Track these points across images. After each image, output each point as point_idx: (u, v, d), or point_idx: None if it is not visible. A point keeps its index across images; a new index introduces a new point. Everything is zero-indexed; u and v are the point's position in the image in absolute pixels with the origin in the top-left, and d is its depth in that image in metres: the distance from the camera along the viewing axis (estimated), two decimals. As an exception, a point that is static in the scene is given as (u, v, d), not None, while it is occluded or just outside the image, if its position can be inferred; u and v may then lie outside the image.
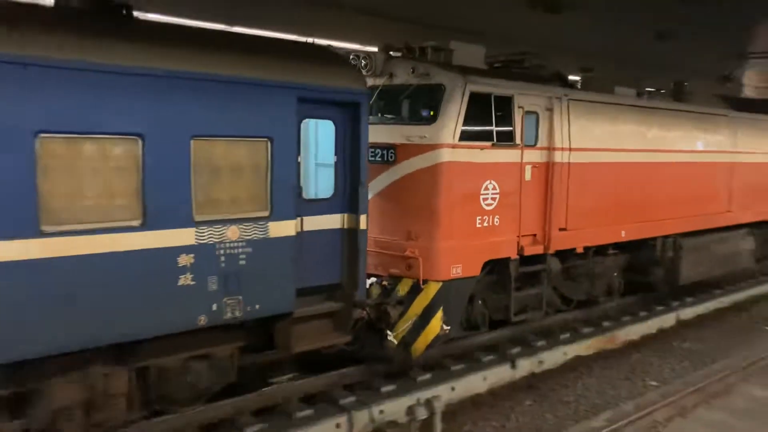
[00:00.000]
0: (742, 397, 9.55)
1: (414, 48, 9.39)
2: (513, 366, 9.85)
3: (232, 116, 6.53)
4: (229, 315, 6.64)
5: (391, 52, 9.37)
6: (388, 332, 8.55)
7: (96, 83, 5.63)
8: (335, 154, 7.78)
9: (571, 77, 11.43)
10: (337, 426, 7.63)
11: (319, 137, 8.23)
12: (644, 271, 12.77)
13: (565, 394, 9.61)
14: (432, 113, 8.79)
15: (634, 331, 12.14)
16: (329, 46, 8.84)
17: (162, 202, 6.08)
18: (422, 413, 7.30)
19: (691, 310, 13.72)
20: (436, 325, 8.69)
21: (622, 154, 11.41)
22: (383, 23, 15.39)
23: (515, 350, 10.20)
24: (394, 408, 8.10)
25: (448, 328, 8.82)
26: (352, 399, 8.06)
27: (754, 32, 23.91)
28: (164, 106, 6.03)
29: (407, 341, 8.73)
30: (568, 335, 11.13)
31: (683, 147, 13.00)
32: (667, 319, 13.01)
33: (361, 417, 7.84)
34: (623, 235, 11.58)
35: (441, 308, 8.70)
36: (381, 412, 8.02)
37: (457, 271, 8.79)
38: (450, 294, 8.77)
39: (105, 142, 5.80)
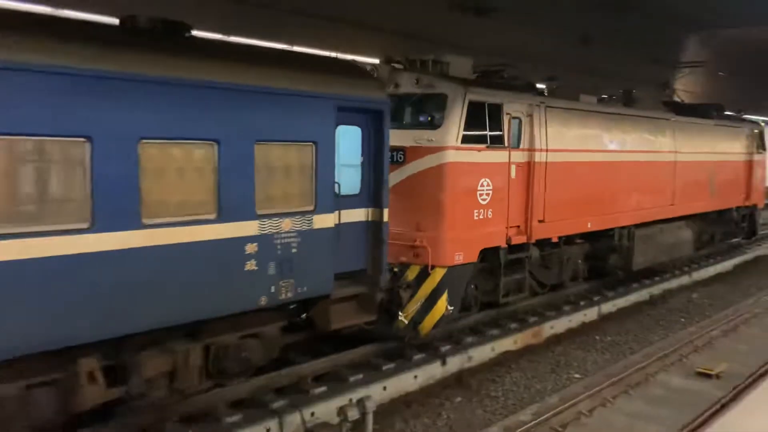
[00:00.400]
0: (660, 386, 9.99)
1: (415, 60, 10.73)
2: (443, 363, 9.98)
3: (286, 123, 7.57)
4: (283, 296, 7.63)
5: (393, 64, 10.68)
6: (399, 313, 9.54)
7: (182, 96, 6.57)
8: (362, 156, 8.86)
9: (538, 85, 12.76)
10: (268, 430, 7.55)
11: (342, 141, 8.84)
12: (603, 258, 14.36)
13: (493, 389, 9.81)
14: (434, 119, 10.12)
15: (559, 326, 12.51)
16: (354, 60, 10.29)
17: (232, 199, 7.03)
18: (354, 414, 7.31)
19: (612, 303, 14.23)
20: (442, 305, 9.87)
21: (588, 155, 12.96)
22: (313, 21, 15.46)
23: (445, 348, 10.34)
24: (326, 410, 8.07)
25: (452, 308, 10.05)
26: (282, 402, 7.98)
27: (684, 45, 25.92)
28: (235, 115, 7.02)
29: (416, 321, 9.82)
30: (496, 331, 11.37)
31: (636, 148, 14.61)
32: (590, 313, 13.47)
33: (292, 420, 7.78)
34: (589, 226, 13.07)
35: (446, 291, 9.88)
36: (312, 414, 7.98)
37: (459, 258, 10.05)
38: (453, 278, 10.00)
39: (189, 146, 6.73)
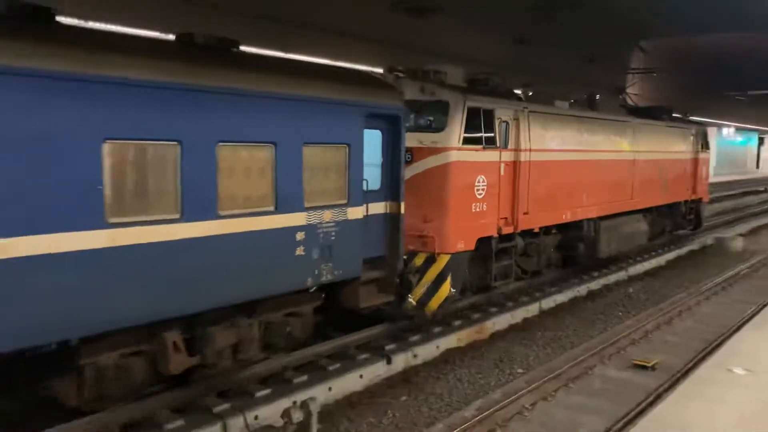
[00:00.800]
0: (599, 379, 10.27)
1: (416, 70, 11.91)
2: (388, 362, 10.02)
3: (326, 128, 8.77)
4: (324, 278, 8.91)
5: (396, 73, 11.91)
6: (409, 296, 10.96)
7: (249, 105, 7.71)
8: (382, 156, 10.05)
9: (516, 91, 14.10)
10: (211, 435, 7.44)
11: (366, 143, 9.70)
12: (573, 247, 15.74)
13: (438, 387, 9.89)
14: (438, 123, 11.36)
15: (501, 322, 12.71)
16: (372, 71, 11.69)
17: (287, 193, 8.23)
18: (299, 415, 7.25)
19: (552, 299, 14.54)
20: (446, 288, 11.22)
21: (564, 154, 14.55)
22: (250, 21, 15.31)
23: (390, 346, 10.38)
24: (269, 412, 7.99)
25: (455, 290, 11.37)
26: (225, 406, 7.86)
27: (635, 53, 27.56)
28: (289, 121, 8.22)
29: (423, 302, 11.25)
30: (440, 329, 11.47)
31: (603, 148, 16.32)
32: (531, 309, 13.72)
33: (235, 424, 7.67)
34: (564, 218, 14.68)
35: (450, 275, 11.24)
36: (256, 417, 7.89)
37: (460, 246, 11.41)
38: (456, 264, 11.36)
39: (253, 148, 7.89)
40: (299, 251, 8.48)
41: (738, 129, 60.30)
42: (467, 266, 11.93)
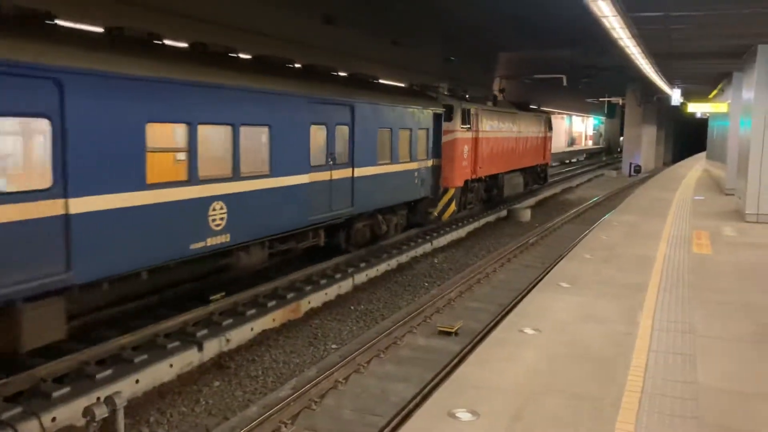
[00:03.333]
0: (408, 348, 10.79)
1: (427, 85, 20.94)
2: (200, 349, 9.74)
3: (421, 121, 17.92)
4: (422, 194, 18.21)
5: (414, 87, 20.36)
6: (433, 210, 19.95)
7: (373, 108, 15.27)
8: (434, 135, 19.09)
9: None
10: (0, 444, 6.82)
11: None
12: (493, 189, 26.01)
13: (253, 369, 9.81)
14: (448, 116, 20.53)
15: (316, 299, 12.88)
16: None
17: (414, 152, 17.54)
18: (103, 412, 6.82)
19: (364, 274, 15.00)
20: (453, 206, 20.94)
21: (492, 133, 24.52)
22: (177, 20, 14.40)
23: (202, 332, 10.09)
24: (69, 412, 7.45)
25: (456, 208, 21.08)
26: (17, 411, 7.17)
27: (499, 58, 39.14)
28: (412, 117, 17.29)
29: (440, 214, 20.66)
30: (254, 311, 11.36)
31: (508, 129, 26.77)
32: (345, 285, 14.06)
33: (29, 428, 7.04)
34: (492, 172, 24.84)
35: (455, 199, 20.95)
36: (53, 419, 7.30)
37: (458, 183, 21.19)
38: (457, 193, 21.14)
39: (404, 131, 16.95)
40: (417, 180, 17.86)
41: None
42: (460, 194, 21.70)
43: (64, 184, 7.66)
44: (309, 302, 12.65)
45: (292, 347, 10.78)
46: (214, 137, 10.35)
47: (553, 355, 7.35)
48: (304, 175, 12.61)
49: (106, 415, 6.84)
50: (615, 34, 15.37)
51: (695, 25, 14.57)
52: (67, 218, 7.71)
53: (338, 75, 14.92)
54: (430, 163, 18.57)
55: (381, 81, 17.30)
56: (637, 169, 49.17)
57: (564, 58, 36.72)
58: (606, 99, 51.22)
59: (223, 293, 11.51)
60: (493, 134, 24.41)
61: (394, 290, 14.58)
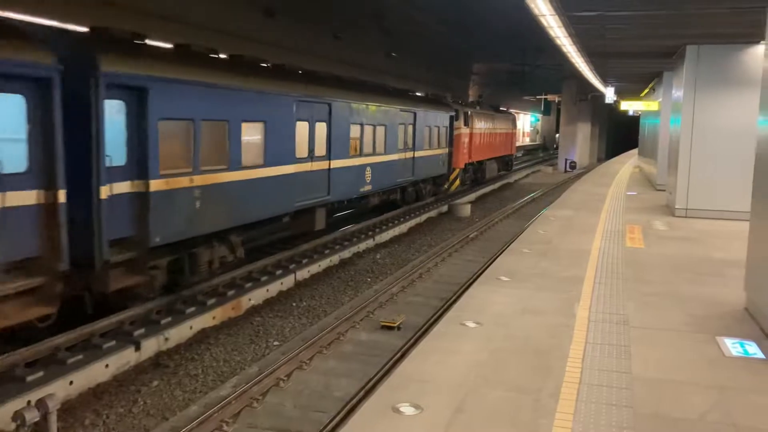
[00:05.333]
0: (350, 343, 10.78)
1: (439, 94, 29.26)
2: (137, 348, 9.50)
3: (439, 121, 26.25)
4: (444, 171, 27.61)
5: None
6: (445, 184, 28.76)
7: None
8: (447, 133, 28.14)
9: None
10: (-77, 452, 6.57)
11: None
12: (478, 172, 34.36)
13: (193, 368, 9.62)
14: (457, 118, 29.03)
15: (257, 296, 12.73)
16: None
17: (425, 142, 24.49)
18: (34, 416, 6.56)
19: (307, 270, 14.92)
20: (458, 181, 30.49)
21: (482, 130, 33.31)
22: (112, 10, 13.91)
23: (139, 331, 9.84)
24: (-2, 417, 7.17)
25: (459, 183, 30.64)
26: (-60, 417, 6.87)
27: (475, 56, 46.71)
28: (427, 117, 24.66)
29: (449, 186, 29.28)
30: (193, 309, 11.14)
31: (488, 126, 34.83)
32: (287, 281, 13.94)
33: (-45, 435, 6.77)
34: (479, 158, 33.27)
35: (459, 176, 30.41)
36: (-19, 424, 7.04)
37: (461, 165, 30.08)
38: (461, 172, 30.58)
39: (436, 127, 25.69)
40: (440, 162, 26.59)
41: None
42: (462, 174, 30.31)
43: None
44: (250, 299, 12.49)
45: (233, 345, 10.62)
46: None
47: (493, 347, 7.47)
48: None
49: (38, 419, 6.57)
50: (552, 33, 15.70)
51: (629, 26, 15.03)
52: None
53: (409, 93, 25.76)
54: (447, 150, 27.52)
55: (419, 94, 26.88)
56: (573, 165, 50.54)
57: (503, 55, 41.48)
58: (543, 96, 52.55)
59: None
60: (480, 131, 33.16)
61: (336, 286, 14.54)
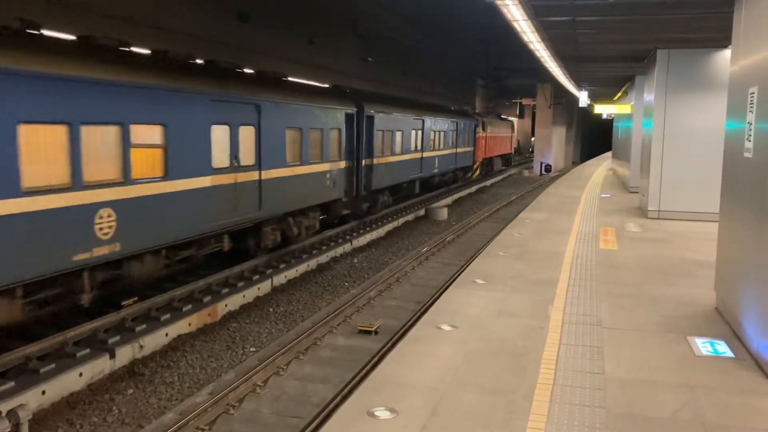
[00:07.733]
0: (328, 348, 10.77)
1: (464, 108, 41.10)
2: (112, 356, 9.40)
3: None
4: (471, 162, 39.86)
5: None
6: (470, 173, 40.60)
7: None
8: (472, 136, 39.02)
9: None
10: None
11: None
12: (489, 165, 45.93)
13: (169, 375, 9.55)
14: (479, 126, 40.73)
15: (233, 302, 12.67)
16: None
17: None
18: (5, 426, 6.49)
19: (284, 275, 14.88)
20: (478, 171, 42.65)
21: (490, 133, 45.31)
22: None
23: (113, 339, 9.75)
24: (-31, 428, 7.10)
25: (479, 172, 43.01)
26: None
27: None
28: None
29: (472, 174, 40.96)
30: (168, 315, 11.06)
31: (491, 131, 45.00)
32: (263, 287, 13.89)
33: (-75, 448, 6.70)
34: (488, 155, 45.29)
35: (479, 168, 42.76)
36: (-49, 436, 6.98)
37: (480, 160, 42.44)
38: (481, 164, 43.34)
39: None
40: (470, 156, 38.27)
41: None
42: (480, 166, 42.45)
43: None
44: (226, 305, 12.43)
45: (209, 352, 10.56)
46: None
47: (469, 350, 7.52)
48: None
49: (9, 429, 6.51)
50: (525, 38, 15.86)
51: (600, 30, 15.24)
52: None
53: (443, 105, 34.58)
54: (472, 148, 38.27)
55: (453, 108, 34.70)
56: (548, 168, 51.07)
57: (477, 60, 47.30)
58: (518, 101, 53.28)
59: (135, 298, 11.16)
60: (491, 134, 44.49)
61: (313, 291, 14.52)
